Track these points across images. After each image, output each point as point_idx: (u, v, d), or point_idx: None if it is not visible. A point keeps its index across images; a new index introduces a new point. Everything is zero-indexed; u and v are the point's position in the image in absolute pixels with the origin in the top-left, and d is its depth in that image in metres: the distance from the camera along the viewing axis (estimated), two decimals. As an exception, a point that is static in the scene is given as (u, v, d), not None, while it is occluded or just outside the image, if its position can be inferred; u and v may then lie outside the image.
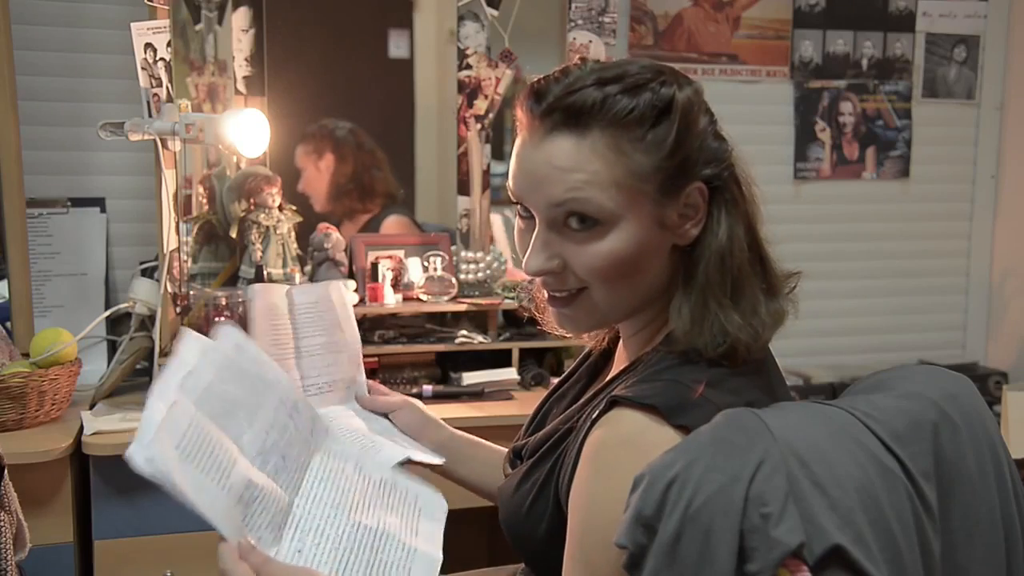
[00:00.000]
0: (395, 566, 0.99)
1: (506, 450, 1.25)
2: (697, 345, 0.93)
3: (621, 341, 1.08)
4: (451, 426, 1.83)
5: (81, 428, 1.70)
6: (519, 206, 0.98)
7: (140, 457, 0.80)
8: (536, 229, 0.95)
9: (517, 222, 1.00)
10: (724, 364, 0.93)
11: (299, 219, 2.07)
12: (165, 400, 0.87)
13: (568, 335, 1.09)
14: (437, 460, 1.26)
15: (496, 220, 2.26)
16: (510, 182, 0.97)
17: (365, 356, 2.03)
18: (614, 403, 0.90)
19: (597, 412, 0.92)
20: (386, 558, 0.99)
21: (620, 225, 0.92)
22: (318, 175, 2.19)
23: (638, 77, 0.93)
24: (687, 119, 0.93)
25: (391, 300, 2.04)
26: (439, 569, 1.02)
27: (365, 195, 2.22)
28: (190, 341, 0.95)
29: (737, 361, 0.94)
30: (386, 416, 1.34)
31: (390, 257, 2.10)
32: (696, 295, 0.94)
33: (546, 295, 1.00)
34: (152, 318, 1.99)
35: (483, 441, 1.33)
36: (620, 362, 1.07)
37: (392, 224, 2.23)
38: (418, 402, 1.35)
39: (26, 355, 1.83)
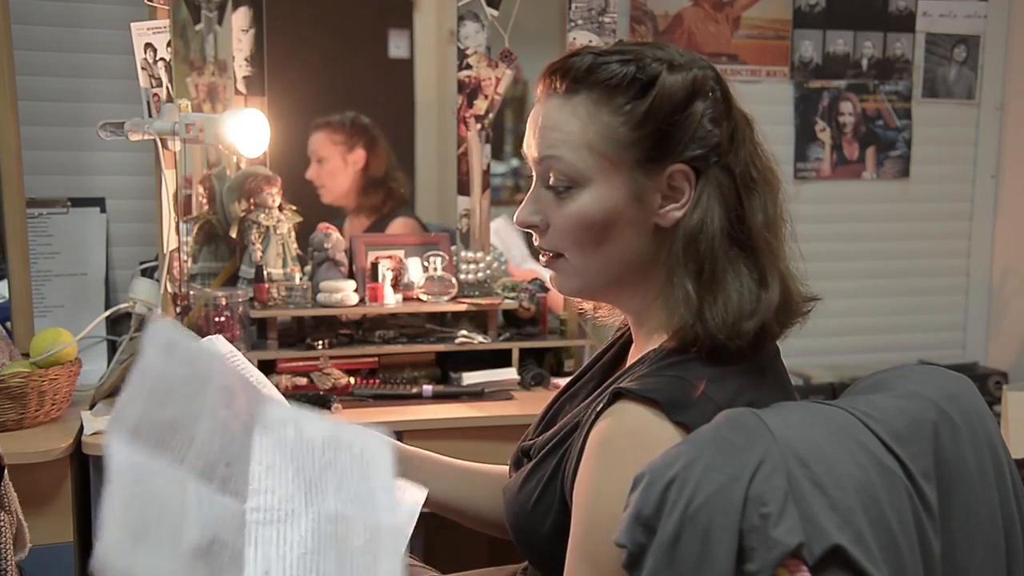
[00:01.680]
0: (362, 552, 0.92)
1: (478, 464, 1.25)
2: (677, 329, 0.93)
3: (633, 338, 1.08)
4: (451, 426, 1.84)
5: (81, 428, 1.70)
6: None
7: (101, 562, 0.76)
8: (532, 187, 1.01)
9: None
10: (727, 361, 0.93)
11: (299, 219, 2.07)
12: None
13: (600, 317, 1.13)
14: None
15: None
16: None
17: (366, 356, 2.05)
18: (618, 396, 0.91)
19: (601, 405, 0.92)
20: (353, 544, 0.92)
21: (591, 188, 0.96)
22: (343, 167, 2.18)
23: (638, 52, 0.96)
24: (669, 98, 0.94)
25: (391, 300, 2.04)
26: (406, 538, 0.97)
27: (386, 195, 2.23)
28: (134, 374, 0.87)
29: (733, 353, 0.93)
30: None
31: (390, 257, 2.10)
32: (680, 281, 0.95)
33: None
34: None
35: (447, 458, 1.25)
36: (633, 359, 1.07)
37: (399, 226, 2.23)
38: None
39: (26, 355, 1.83)
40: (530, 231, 1.02)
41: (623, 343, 1.14)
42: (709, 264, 0.94)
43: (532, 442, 1.10)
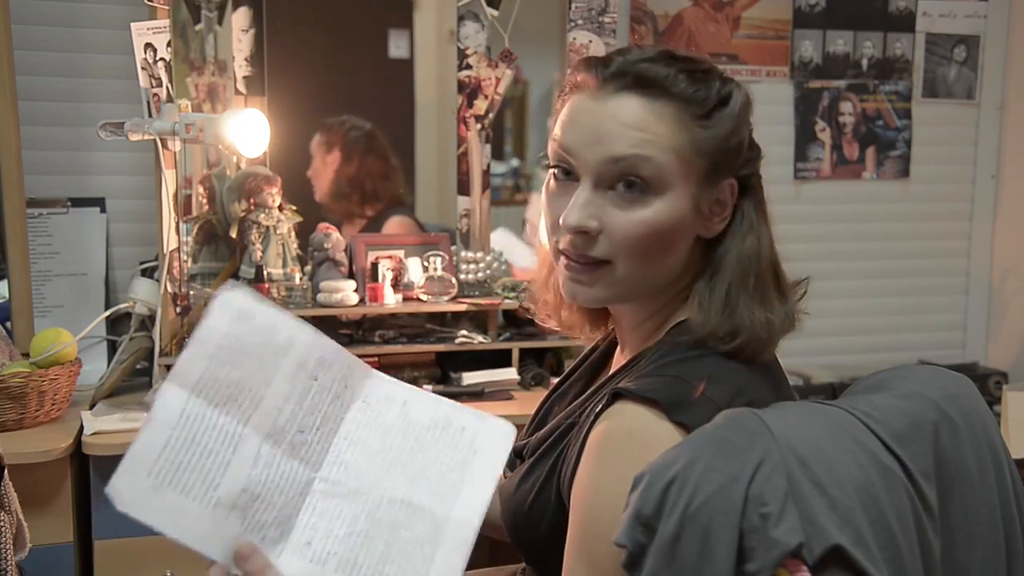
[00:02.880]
0: (419, 543, 0.90)
1: None
2: (710, 335, 0.93)
3: (619, 340, 1.08)
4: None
5: (81, 428, 1.70)
6: (556, 168, 0.97)
7: (112, 493, 0.82)
8: (579, 188, 0.94)
9: (550, 183, 0.99)
10: (728, 360, 0.94)
11: (299, 219, 2.07)
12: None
13: (563, 330, 1.12)
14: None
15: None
16: (559, 134, 0.96)
17: (366, 356, 2.04)
18: (617, 396, 0.91)
19: (600, 406, 0.92)
20: (409, 534, 0.91)
21: (667, 195, 0.93)
22: (323, 168, 2.19)
23: (703, 64, 0.97)
24: (743, 114, 0.96)
25: (391, 300, 2.04)
26: (474, 535, 0.91)
27: (364, 200, 2.22)
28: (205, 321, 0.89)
29: (743, 359, 0.94)
30: None
31: (390, 257, 2.10)
32: (722, 288, 0.95)
33: (563, 261, 0.97)
34: (152, 318, 2.00)
35: None
36: (621, 359, 1.07)
37: (395, 225, 2.23)
38: None
39: (26, 355, 1.83)
40: (580, 236, 0.94)
41: (610, 342, 1.14)
42: (758, 277, 0.96)
43: (525, 443, 1.10)
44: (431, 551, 0.90)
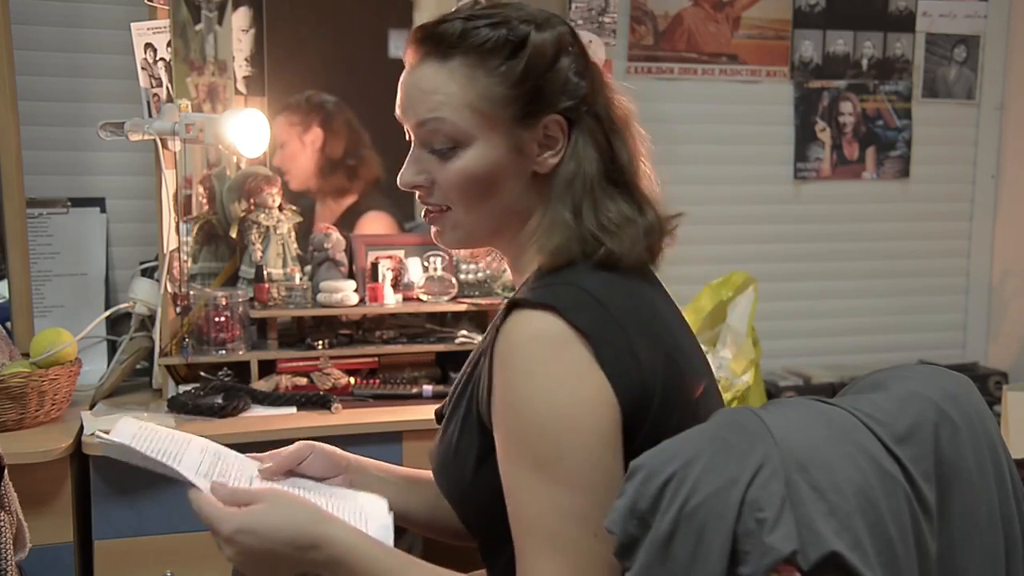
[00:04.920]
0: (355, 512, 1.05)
1: (426, 472, 1.25)
2: (556, 246, 0.99)
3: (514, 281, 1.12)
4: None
5: (81, 428, 1.70)
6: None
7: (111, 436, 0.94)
8: (412, 148, 1.05)
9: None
10: (608, 269, 0.98)
11: (299, 219, 2.07)
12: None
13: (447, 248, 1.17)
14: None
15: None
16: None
17: (366, 356, 2.05)
18: (513, 306, 0.94)
19: (500, 320, 0.95)
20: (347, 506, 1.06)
21: (474, 146, 1.00)
22: (302, 149, 2.16)
23: (504, 14, 1.01)
24: (541, 56, 1.00)
25: (391, 300, 2.04)
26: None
27: (352, 174, 2.20)
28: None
29: (613, 259, 0.98)
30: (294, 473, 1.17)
31: (390, 257, 2.10)
32: (549, 213, 1.01)
33: (423, 212, 1.08)
34: (152, 318, 2.00)
35: (395, 466, 1.24)
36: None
37: (372, 219, 2.21)
38: (317, 443, 1.19)
39: (26, 355, 1.83)
40: (415, 191, 1.05)
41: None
42: (589, 200, 1.00)
43: (443, 406, 1.13)
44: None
